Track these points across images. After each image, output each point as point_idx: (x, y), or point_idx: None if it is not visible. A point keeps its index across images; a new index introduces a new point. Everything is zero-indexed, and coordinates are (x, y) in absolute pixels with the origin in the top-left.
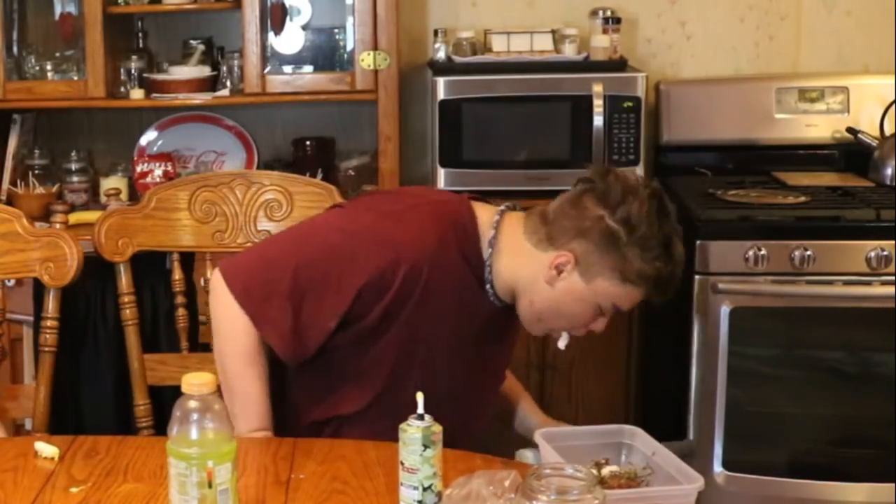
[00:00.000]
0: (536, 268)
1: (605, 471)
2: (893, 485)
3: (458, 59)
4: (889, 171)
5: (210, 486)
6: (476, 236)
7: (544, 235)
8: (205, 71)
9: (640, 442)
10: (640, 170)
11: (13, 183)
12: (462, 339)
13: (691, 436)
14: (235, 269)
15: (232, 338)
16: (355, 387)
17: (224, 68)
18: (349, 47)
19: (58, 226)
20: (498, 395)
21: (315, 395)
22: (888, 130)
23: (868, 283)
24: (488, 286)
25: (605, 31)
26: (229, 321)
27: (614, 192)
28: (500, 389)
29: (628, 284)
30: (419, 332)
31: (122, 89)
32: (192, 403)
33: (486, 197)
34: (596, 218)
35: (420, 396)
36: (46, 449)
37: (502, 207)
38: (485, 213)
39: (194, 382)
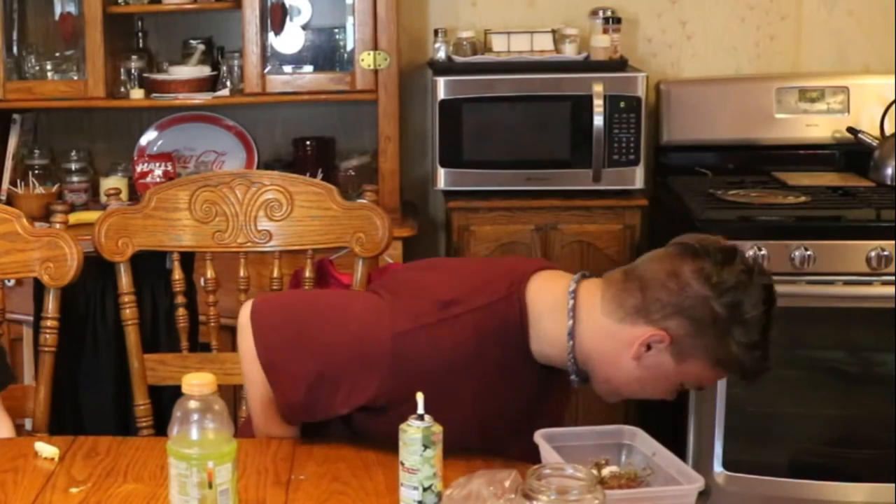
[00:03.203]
0: (620, 344)
1: (606, 471)
2: (893, 485)
3: (458, 59)
4: (889, 171)
5: (210, 486)
6: (525, 337)
7: (633, 308)
8: (205, 71)
9: (640, 442)
10: (640, 170)
11: (13, 183)
12: (508, 420)
13: (691, 436)
14: (265, 318)
15: (251, 382)
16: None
17: (224, 68)
18: (349, 47)
19: (58, 226)
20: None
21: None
22: (888, 130)
23: (868, 283)
24: (574, 376)
25: (605, 31)
26: (251, 367)
27: (726, 276)
28: None
29: (720, 368)
30: (449, 421)
31: (122, 89)
32: (193, 404)
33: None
34: (700, 298)
35: (420, 396)
36: (46, 449)
37: (573, 285)
38: (549, 296)
39: (195, 383)
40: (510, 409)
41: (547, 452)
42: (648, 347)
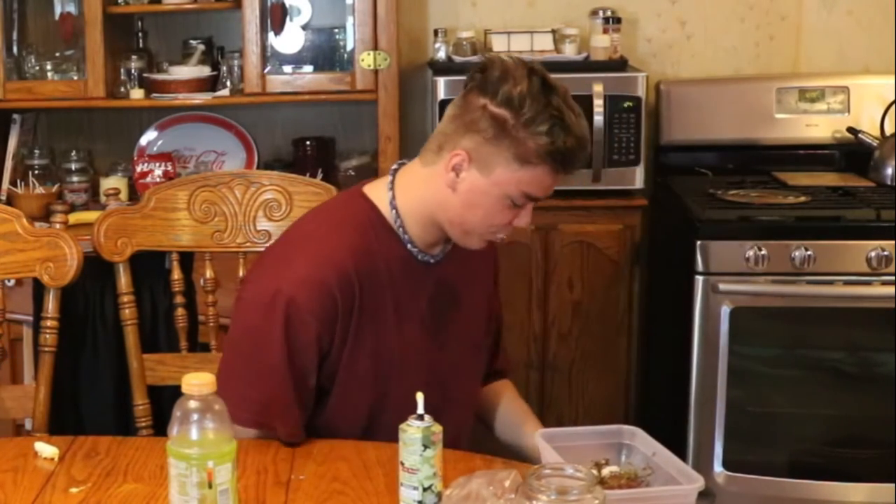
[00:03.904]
0: (437, 181)
1: (606, 471)
2: (893, 485)
3: (458, 59)
4: (889, 171)
5: (210, 486)
6: (382, 220)
7: (437, 147)
8: (205, 71)
9: (640, 442)
10: (640, 170)
11: (13, 183)
12: (419, 319)
13: (691, 436)
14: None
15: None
16: (343, 417)
17: (224, 68)
18: (349, 47)
19: (58, 226)
20: (480, 370)
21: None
22: (888, 130)
23: (868, 283)
24: (409, 245)
25: (605, 31)
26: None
27: (490, 77)
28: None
29: (528, 167)
30: (375, 338)
31: (122, 89)
32: (193, 404)
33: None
34: (479, 108)
35: (420, 396)
36: (46, 449)
37: (395, 166)
38: (381, 185)
39: (194, 382)
40: (419, 309)
41: (547, 452)
42: (457, 172)
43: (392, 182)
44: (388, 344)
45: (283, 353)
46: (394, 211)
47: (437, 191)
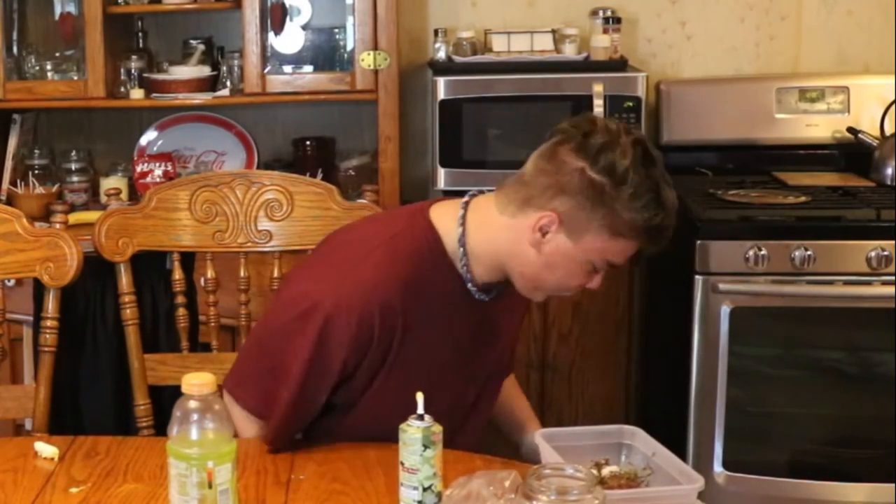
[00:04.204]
0: (518, 235)
1: (605, 471)
2: (893, 485)
3: (458, 59)
4: (889, 171)
5: (210, 486)
6: (442, 252)
7: (521, 200)
8: (205, 71)
9: (640, 442)
10: None
11: (13, 183)
12: (457, 352)
13: (691, 436)
14: (239, 384)
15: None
16: (357, 431)
17: (224, 68)
18: (349, 47)
19: (58, 226)
20: (498, 391)
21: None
22: (888, 130)
23: (868, 283)
24: (470, 284)
25: (605, 31)
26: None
27: (593, 142)
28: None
29: (619, 238)
30: (409, 368)
31: (122, 89)
32: (193, 403)
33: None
34: (576, 171)
35: (420, 396)
36: (46, 449)
37: (466, 199)
38: (449, 214)
39: (194, 382)
40: (459, 342)
41: (547, 452)
42: (544, 233)
43: (463, 217)
44: (419, 373)
45: (302, 367)
46: (461, 249)
47: (516, 244)
